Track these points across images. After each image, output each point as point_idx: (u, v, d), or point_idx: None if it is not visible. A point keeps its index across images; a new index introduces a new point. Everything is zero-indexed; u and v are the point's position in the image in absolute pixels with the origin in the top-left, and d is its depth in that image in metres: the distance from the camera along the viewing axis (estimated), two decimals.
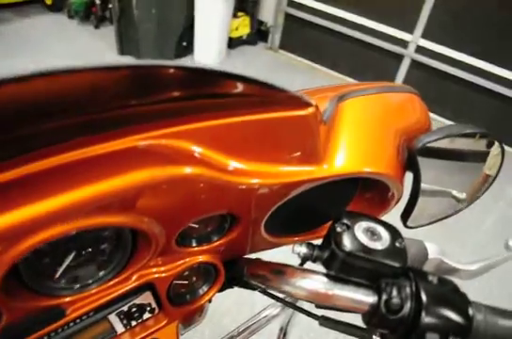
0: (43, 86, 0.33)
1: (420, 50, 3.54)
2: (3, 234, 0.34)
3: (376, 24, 3.65)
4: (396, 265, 0.47)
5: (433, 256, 0.55)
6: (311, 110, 0.46)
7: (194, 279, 0.59)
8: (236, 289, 0.67)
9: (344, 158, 0.51)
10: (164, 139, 0.40)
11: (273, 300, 1.00)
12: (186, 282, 0.58)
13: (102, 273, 0.48)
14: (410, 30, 3.50)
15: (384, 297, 0.46)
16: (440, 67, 3.46)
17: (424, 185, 0.60)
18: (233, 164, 0.45)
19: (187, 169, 0.41)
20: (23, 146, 0.35)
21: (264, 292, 0.65)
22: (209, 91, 0.42)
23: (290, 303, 0.64)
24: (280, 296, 0.64)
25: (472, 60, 3.31)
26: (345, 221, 0.49)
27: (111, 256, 0.47)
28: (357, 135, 0.54)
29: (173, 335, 0.59)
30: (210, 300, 0.66)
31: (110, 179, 0.38)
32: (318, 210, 0.60)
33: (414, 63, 3.62)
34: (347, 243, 0.47)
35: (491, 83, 3.30)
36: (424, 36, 3.46)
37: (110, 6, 3.87)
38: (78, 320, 0.50)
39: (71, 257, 0.45)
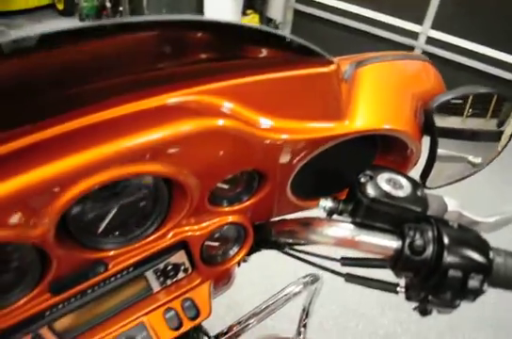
0: (93, 47, 0.37)
1: (430, 41, 3.53)
2: (57, 179, 0.38)
3: (385, 17, 3.65)
4: (418, 209, 0.50)
5: (452, 209, 0.57)
6: (333, 67, 0.49)
7: (224, 240, 0.62)
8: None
9: (364, 115, 0.54)
10: (198, 96, 0.44)
11: (294, 278, 1.03)
12: (217, 243, 0.61)
13: (142, 228, 0.51)
14: (420, 21, 3.50)
15: (408, 240, 0.48)
16: (451, 57, 3.44)
17: (440, 151, 0.63)
18: (262, 119, 0.48)
19: (220, 122, 0.44)
20: (75, 101, 0.39)
21: (290, 254, 0.68)
22: (239, 51, 0.45)
23: (315, 263, 0.67)
24: (305, 257, 0.67)
25: (483, 49, 3.29)
26: (369, 173, 0.52)
27: (150, 211, 0.51)
28: (376, 94, 0.57)
29: (206, 295, 0.62)
30: (239, 264, 0.69)
31: (150, 130, 0.41)
32: (340, 172, 0.62)
33: (425, 54, 3.61)
34: (371, 190, 0.50)
35: (503, 71, 3.28)
36: (434, 27, 3.45)
37: (121, 8, 3.94)
38: (118, 275, 0.53)
39: (113, 212, 0.48)
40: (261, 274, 1.81)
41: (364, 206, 0.50)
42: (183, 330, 0.60)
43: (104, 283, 0.52)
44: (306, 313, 1.08)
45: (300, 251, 0.68)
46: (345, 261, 0.61)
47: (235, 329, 0.86)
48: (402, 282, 0.58)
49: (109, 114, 0.41)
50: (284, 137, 0.49)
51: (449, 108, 0.63)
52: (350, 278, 0.61)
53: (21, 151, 0.37)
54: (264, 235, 0.65)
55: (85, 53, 0.37)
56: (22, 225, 0.38)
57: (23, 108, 0.37)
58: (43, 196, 0.38)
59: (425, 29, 3.49)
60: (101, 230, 0.48)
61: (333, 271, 0.64)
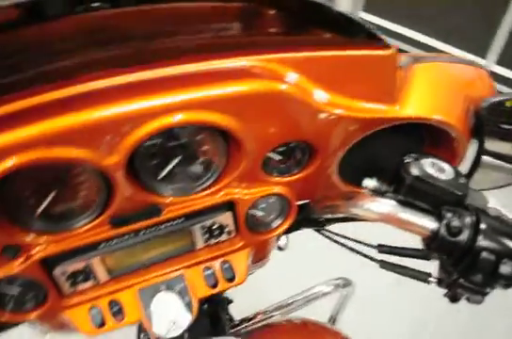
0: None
1: (495, 77, 3.45)
2: (139, 114, 0.44)
3: (443, 45, 3.57)
4: (459, 193, 0.52)
5: (491, 206, 0.58)
6: (392, 51, 0.53)
7: (269, 212, 0.66)
8: None
9: (416, 103, 0.57)
10: (265, 62, 0.50)
11: (326, 278, 1.05)
12: (262, 213, 0.65)
13: (199, 182, 0.57)
14: (483, 54, 3.43)
15: (445, 221, 0.51)
16: None
17: (485, 158, 0.65)
18: (320, 92, 0.53)
19: (283, 86, 0.49)
20: (162, 54, 0.46)
21: (327, 236, 0.71)
22: (306, 27, 0.51)
23: (351, 247, 0.69)
24: (342, 241, 0.70)
25: None
26: (414, 155, 0.55)
27: (209, 166, 0.56)
28: (430, 87, 0.60)
29: (244, 262, 0.66)
30: (278, 238, 0.73)
31: (220, 84, 0.47)
32: (385, 158, 0.65)
33: None
34: (415, 170, 0.53)
35: None
36: (500, 62, 3.39)
37: None
38: (169, 224, 0.58)
39: (175, 161, 0.54)
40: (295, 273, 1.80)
41: (407, 185, 0.53)
42: (218, 289, 0.64)
43: (154, 229, 0.57)
44: (333, 320, 1.09)
45: (337, 234, 0.71)
46: (382, 248, 0.64)
47: (259, 317, 0.90)
48: (434, 272, 0.60)
49: (191, 68, 0.47)
50: (338, 112, 0.54)
51: (500, 133, 0.65)
52: (384, 264, 0.64)
53: (120, 86, 0.44)
54: (306, 214, 0.68)
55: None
56: (102, 150, 0.45)
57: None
58: (124, 127, 0.45)
59: (489, 63, 3.43)
60: (162, 176, 0.54)
61: (368, 256, 0.67)
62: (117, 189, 0.50)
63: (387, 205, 0.54)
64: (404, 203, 0.54)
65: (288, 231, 0.73)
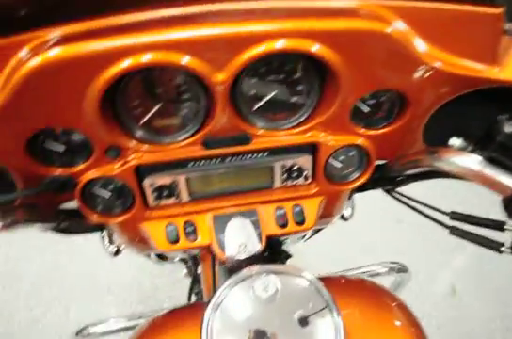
0: None
1: None
2: (244, 36, 0.48)
3: None
4: None
5: None
6: (500, 11, 0.53)
7: (347, 164, 0.67)
8: None
9: None
10: (376, 7, 0.52)
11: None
12: (340, 165, 0.67)
13: (290, 119, 0.60)
14: None
15: None
16: None
17: None
18: (421, 42, 0.53)
19: (389, 29, 0.50)
20: None
21: (398, 198, 0.71)
22: None
23: (420, 210, 0.69)
24: (412, 203, 0.70)
25: None
26: (507, 115, 0.54)
27: (302, 102, 0.58)
28: None
29: (315, 208, 0.68)
30: (350, 197, 0.74)
31: (330, 19, 0.50)
32: (476, 121, 0.64)
33: None
34: (508, 127, 0.52)
35: None
36: None
37: None
38: (254, 155, 0.61)
39: (271, 94, 0.57)
40: None
41: (498, 142, 0.53)
42: (286, 230, 0.67)
43: (240, 158, 0.61)
44: None
45: (409, 198, 0.71)
46: (455, 215, 0.63)
47: None
48: (508, 242, 0.58)
49: (305, 3, 0.51)
50: (437, 64, 0.54)
51: None
52: (455, 230, 0.63)
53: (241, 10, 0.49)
54: (383, 173, 0.69)
55: None
56: (214, 64, 0.49)
57: None
58: (237, 46, 0.49)
59: None
60: (257, 107, 0.57)
61: (438, 221, 0.66)
62: (216, 110, 0.54)
63: (473, 160, 0.53)
64: (490, 160, 0.53)
65: (362, 189, 0.74)
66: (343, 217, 0.99)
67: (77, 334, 1.08)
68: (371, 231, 2.13)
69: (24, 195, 0.55)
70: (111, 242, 0.96)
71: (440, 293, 2.01)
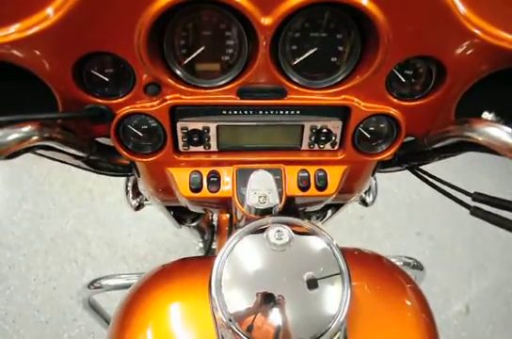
0: None
1: None
2: None
3: None
4: None
5: None
6: None
7: (376, 136, 0.67)
8: None
9: None
10: None
11: None
12: (369, 136, 0.67)
13: (328, 78, 0.60)
14: None
15: None
16: None
17: None
18: (462, 6, 0.52)
19: None
20: None
21: (421, 176, 0.71)
22: None
23: (441, 189, 0.68)
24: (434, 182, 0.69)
25: None
26: None
27: (341, 62, 0.59)
28: None
29: (339, 176, 0.69)
30: (373, 174, 0.74)
31: None
32: (508, 105, 0.63)
33: None
34: None
35: None
36: None
37: None
38: (287, 112, 0.62)
39: (312, 51, 0.58)
40: None
41: None
42: (307, 193, 0.67)
43: (273, 113, 0.62)
44: None
45: (432, 176, 0.71)
46: (478, 196, 0.62)
47: None
48: None
49: None
50: (476, 31, 0.53)
51: None
52: (477, 211, 0.62)
53: None
54: (410, 149, 0.69)
55: None
56: (262, 7, 0.50)
57: None
58: None
59: None
60: (297, 62, 0.59)
61: (459, 201, 0.65)
62: (257, 58, 0.55)
63: (503, 131, 0.52)
64: None
65: (386, 165, 0.74)
66: (364, 203, 0.98)
67: (89, 287, 1.11)
68: (389, 242, 2.10)
69: (63, 117, 0.58)
70: (134, 197, 0.98)
71: (453, 310, 1.97)
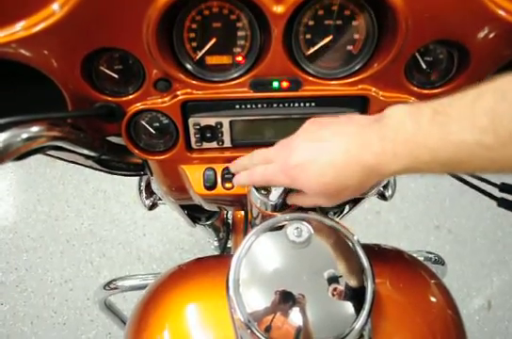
0: None
1: None
2: None
3: None
4: None
5: None
6: None
7: None
8: None
9: None
10: None
11: None
12: None
13: (345, 68, 0.59)
14: None
15: None
16: None
17: None
18: None
19: None
20: None
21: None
22: None
23: (468, 181, 0.66)
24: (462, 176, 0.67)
25: None
26: None
27: (359, 52, 0.57)
28: None
29: None
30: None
31: None
32: None
33: None
34: None
35: None
36: None
37: None
38: (302, 104, 0.60)
39: (326, 40, 0.56)
40: None
41: None
42: None
43: (287, 105, 0.60)
44: None
45: None
46: (505, 186, 0.60)
47: None
48: None
49: None
50: (500, 12, 0.50)
51: None
52: (504, 202, 0.60)
53: None
54: None
55: None
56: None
57: None
58: None
59: None
60: (311, 52, 0.57)
61: (486, 192, 0.63)
62: (270, 49, 0.53)
63: None
64: None
65: None
66: (383, 197, 0.96)
67: (105, 288, 1.10)
68: (407, 236, 2.07)
69: (73, 116, 0.57)
70: (148, 196, 0.97)
71: (474, 305, 1.93)
